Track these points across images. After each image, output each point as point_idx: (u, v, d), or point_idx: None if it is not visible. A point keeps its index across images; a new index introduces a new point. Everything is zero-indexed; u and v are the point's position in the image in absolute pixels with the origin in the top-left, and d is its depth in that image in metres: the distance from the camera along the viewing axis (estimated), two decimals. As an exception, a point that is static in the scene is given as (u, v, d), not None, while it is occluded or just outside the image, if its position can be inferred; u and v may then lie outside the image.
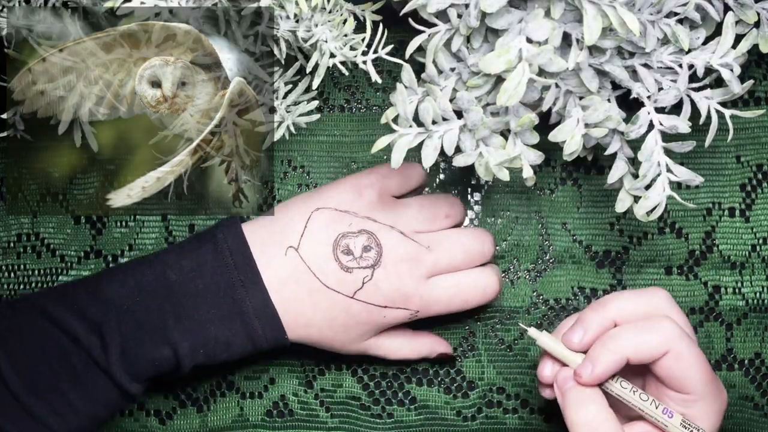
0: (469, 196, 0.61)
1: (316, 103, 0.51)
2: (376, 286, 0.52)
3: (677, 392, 0.47)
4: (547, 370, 0.49)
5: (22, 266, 0.62)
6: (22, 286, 0.61)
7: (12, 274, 0.61)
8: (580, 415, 0.46)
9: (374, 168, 0.55)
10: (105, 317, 0.49)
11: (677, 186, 0.51)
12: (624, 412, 0.49)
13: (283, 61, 0.49)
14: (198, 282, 0.50)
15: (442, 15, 0.47)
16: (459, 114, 0.48)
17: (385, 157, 0.60)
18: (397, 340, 0.55)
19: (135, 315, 0.49)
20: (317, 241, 0.52)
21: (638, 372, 0.50)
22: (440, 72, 0.49)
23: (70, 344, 0.49)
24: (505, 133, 0.49)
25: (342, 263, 0.51)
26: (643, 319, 0.47)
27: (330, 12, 0.46)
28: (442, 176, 0.61)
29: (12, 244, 0.62)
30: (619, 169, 0.50)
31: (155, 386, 0.60)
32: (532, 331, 0.49)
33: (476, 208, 0.61)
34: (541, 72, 0.45)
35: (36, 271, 0.61)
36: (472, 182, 0.61)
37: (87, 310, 0.49)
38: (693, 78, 0.48)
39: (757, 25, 0.48)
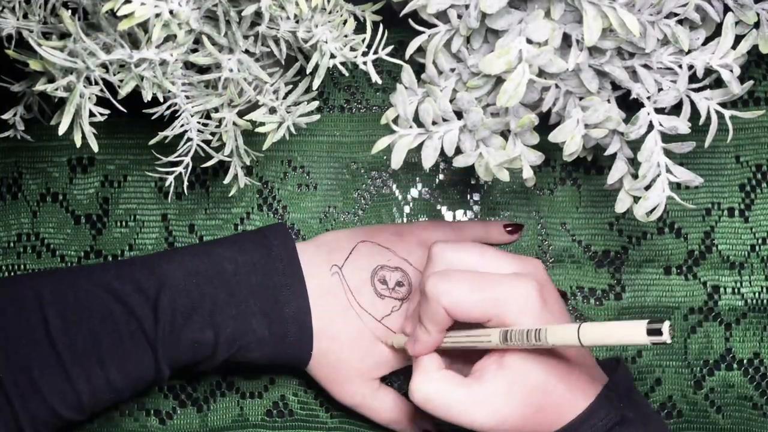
0: (468, 196, 0.61)
1: (316, 103, 0.51)
2: (400, 317, 0.56)
3: (486, 323, 0.49)
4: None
5: (22, 266, 0.62)
6: (22, 286, 0.61)
7: (12, 274, 0.61)
8: (413, 392, 0.49)
9: (419, 221, 0.61)
10: (161, 293, 0.52)
11: (677, 186, 0.52)
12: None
13: (283, 62, 0.49)
14: (251, 278, 0.54)
15: (442, 16, 0.47)
16: (459, 114, 0.48)
17: (385, 158, 0.61)
18: (395, 400, 0.57)
19: (189, 296, 0.52)
20: (359, 267, 0.56)
21: None
22: (440, 72, 0.49)
23: (124, 313, 0.51)
24: (505, 134, 0.49)
25: (377, 290, 0.56)
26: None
27: (330, 13, 0.46)
28: (441, 176, 0.61)
29: (12, 244, 0.62)
30: (618, 170, 0.50)
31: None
32: (390, 341, 0.55)
33: (476, 207, 0.61)
34: (541, 73, 0.45)
35: (36, 271, 0.61)
36: (472, 182, 0.61)
37: (143, 284, 0.52)
38: (693, 78, 0.48)
39: (756, 25, 0.48)
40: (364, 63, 0.46)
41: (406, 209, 0.61)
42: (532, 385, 0.47)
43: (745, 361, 0.59)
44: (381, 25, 0.47)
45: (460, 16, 0.46)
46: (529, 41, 0.43)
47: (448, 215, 0.61)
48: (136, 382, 0.52)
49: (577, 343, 0.42)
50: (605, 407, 0.48)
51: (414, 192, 0.61)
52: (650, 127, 0.48)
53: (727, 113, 0.48)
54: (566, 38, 0.47)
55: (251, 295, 0.53)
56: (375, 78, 0.46)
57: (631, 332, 0.39)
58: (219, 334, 0.52)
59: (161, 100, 0.46)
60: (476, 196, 0.61)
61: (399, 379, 0.60)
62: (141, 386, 0.53)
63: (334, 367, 0.55)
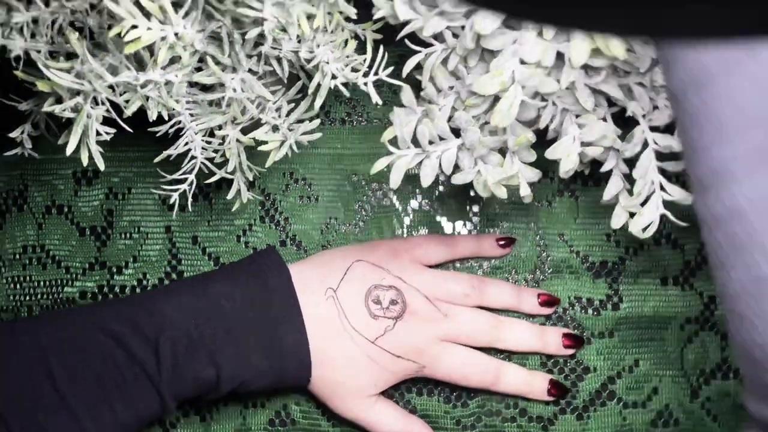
0: (467, 207, 0.62)
1: (318, 121, 0.51)
2: (395, 337, 0.57)
3: None
4: None
5: (27, 278, 0.62)
6: (27, 297, 0.62)
7: (17, 286, 0.62)
8: None
9: (412, 237, 0.61)
10: (161, 334, 0.52)
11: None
12: None
13: (285, 80, 0.49)
14: (249, 313, 0.54)
15: (439, 35, 0.48)
16: (457, 132, 0.49)
17: (385, 169, 0.61)
18: (393, 413, 0.59)
19: (189, 336, 0.53)
20: (353, 288, 0.57)
21: None
22: (439, 91, 0.50)
23: (126, 358, 0.52)
24: (503, 151, 0.50)
25: (370, 310, 0.57)
26: None
27: (332, 32, 0.47)
28: (441, 188, 0.62)
29: (17, 256, 0.63)
30: (614, 186, 0.51)
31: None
32: None
33: (475, 219, 0.62)
34: (537, 92, 0.46)
35: (41, 283, 0.62)
36: (471, 194, 0.61)
37: (143, 326, 0.53)
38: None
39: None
40: (365, 84, 0.47)
41: (407, 220, 0.62)
42: None
43: (740, 371, 0.60)
44: (381, 46, 0.48)
45: (456, 36, 0.47)
46: (522, 62, 0.44)
47: (447, 226, 0.62)
48: (144, 418, 0.53)
49: None
50: None
51: (414, 203, 0.62)
52: (645, 145, 0.48)
53: (721, 130, 0.49)
54: (560, 56, 0.47)
55: (250, 332, 0.54)
56: (375, 98, 0.47)
57: None
58: (221, 371, 0.53)
59: (166, 118, 0.47)
60: (475, 208, 0.62)
61: (399, 389, 0.61)
62: (148, 421, 0.54)
63: (331, 387, 0.57)
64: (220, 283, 0.56)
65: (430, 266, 0.60)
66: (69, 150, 0.43)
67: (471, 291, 0.59)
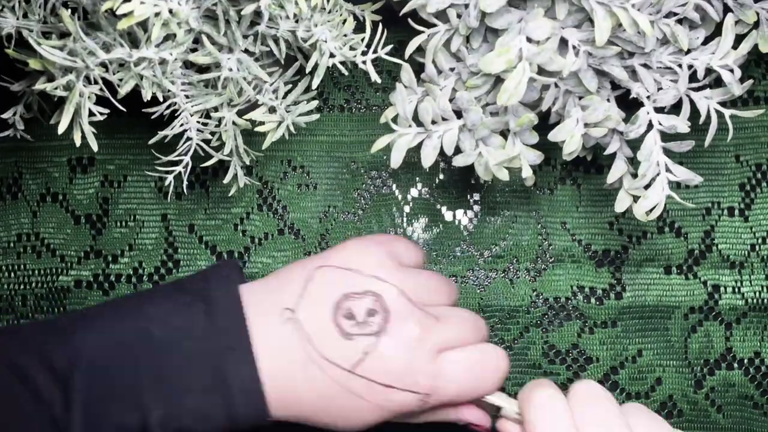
0: (468, 196, 0.61)
1: (315, 102, 0.51)
2: (381, 359, 0.45)
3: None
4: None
5: (22, 266, 0.62)
6: (22, 286, 0.61)
7: (12, 274, 0.62)
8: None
9: (382, 234, 0.53)
10: (73, 370, 0.43)
11: (676, 185, 0.51)
12: None
13: (282, 61, 0.49)
14: (184, 344, 0.44)
15: (442, 15, 0.47)
16: (458, 114, 0.48)
17: (384, 157, 0.61)
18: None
19: (108, 370, 0.43)
20: (316, 303, 0.46)
21: None
22: (440, 72, 0.49)
23: (30, 399, 0.43)
24: (504, 133, 0.49)
25: (342, 329, 0.45)
26: None
27: (329, 12, 0.46)
28: (441, 176, 0.61)
29: (12, 244, 0.62)
30: (618, 169, 0.50)
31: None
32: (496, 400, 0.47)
33: (475, 207, 0.61)
34: (541, 71, 0.45)
35: (36, 271, 0.61)
36: (472, 181, 0.61)
37: (53, 359, 0.43)
38: (692, 78, 0.48)
39: (756, 25, 0.48)
40: (364, 62, 0.46)
41: (406, 209, 0.61)
42: None
43: (745, 361, 0.59)
44: (380, 25, 0.47)
45: (459, 16, 0.46)
46: (528, 40, 0.43)
47: (448, 215, 0.61)
48: None
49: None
50: None
51: (414, 191, 0.61)
52: (650, 126, 0.48)
53: (726, 112, 0.48)
54: (563, 40, 0.47)
55: (186, 368, 0.44)
56: (374, 77, 0.46)
57: None
58: (147, 417, 0.43)
59: (161, 99, 0.46)
60: (476, 196, 0.61)
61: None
62: None
63: (319, 426, 0.47)
64: (155, 304, 0.46)
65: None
66: (61, 129, 0.42)
67: (451, 291, 0.51)
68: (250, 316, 0.45)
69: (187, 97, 0.47)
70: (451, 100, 0.48)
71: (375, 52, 0.46)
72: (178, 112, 0.48)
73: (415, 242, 0.57)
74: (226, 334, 0.44)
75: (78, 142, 0.44)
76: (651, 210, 0.48)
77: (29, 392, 0.42)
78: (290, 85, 0.51)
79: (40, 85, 0.43)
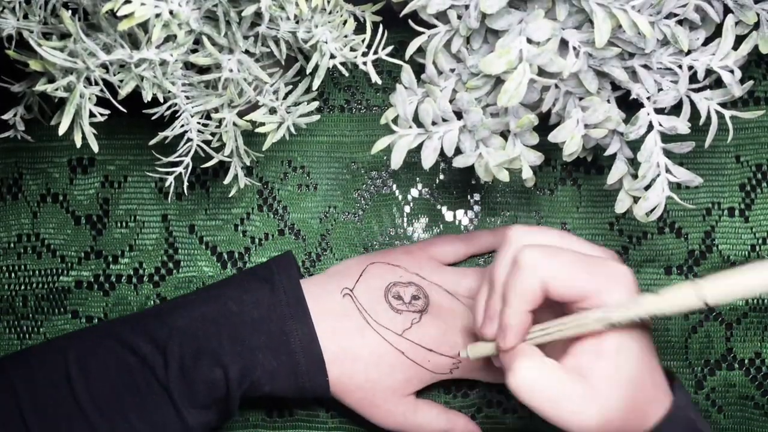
0: (468, 196, 0.61)
1: (316, 103, 0.51)
2: (424, 329, 0.55)
3: (579, 303, 0.45)
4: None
5: (22, 267, 0.62)
6: (22, 287, 0.61)
7: (12, 275, 0.62)
8: (516, 378, 0.44)
9: (428, 239, 0.60)
10: (169, 339, 0.52)
11: (677, 186, 0.51)
12: (560, 346, 0.47)
13: (283, 62, 0.49)
14: (254, 312, 0.53)
15: (442, 16, 0.47)
16: (459, 115, 0.48)
17: (385, 158, 0.61)
18: (436, 411, 0.56)
19: (196, 339, 0.52)
20: (370, 286, 0.56)
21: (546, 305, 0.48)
22: (440, 73, 0.49)
23: (138, 363, 0.52)
24: (504, 134, 0.49)
25: (393, 305, 0.55)
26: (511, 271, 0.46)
27: (330, 13, 0.46)
28: (441, 176, 0.61)
29: (12, 245, 0.62)
30: (618, 170, 0.50)
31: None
32: (463, 353, 0.50)
33: (476, 208, 0.61)
34: (541, 72, 0.46)
35: (36, 272, 0.62)
36: (472, 182, 0.61)
37: (154, 333, 0.53)
38: (693, 79, 0.48)
39: (756, 26, 0.48)
40: (364, 63, 0.46)
41: (407, 209, 0.61)
42: (628, 378, 0.43)
43: (746, 361, 0.59)
44: (381, 26, 0.47)
45: (459, 17, 0.46)
46: (529, 41, 0.43)
47: (448, 215, 0.61)
48: (165, 427, 0.52)
49: (699, 305, 0.41)
50: (686, 403, 0.45)
51: (414, 192, 0.61)
52: (650, 127, 0.48)
53: (727, 113, 0.48)
54: (563, 41, 0.47)
55: (255, 330, 0.53)
56: (375, 78, 0.46)
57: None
58: (228, 371, 0.52)
59: (161, 100, 0.46)
60: (476, 196, 0.61)
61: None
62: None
63: (364, 389, 0.54)
64: (231, 288, 0.55)
65: (448, 264, 0.59)
66: (61, 130, 0.42)
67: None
68: (312, 295, 0.55)
69: (187, 98, 0.47)
70: (451, 101, 0.48)
71: (375, 53, 0.46)
72: (179, 113, 0.48)
73: (456, 236, 0.60)
74: (287, 305, 0.54)
75: (78, 142, 0.44)
76: (651, 211, 0.48)
77: (138, 359, 0.52)
78: (291, 86, 0.51)
79: (40, 86, 0.43)
